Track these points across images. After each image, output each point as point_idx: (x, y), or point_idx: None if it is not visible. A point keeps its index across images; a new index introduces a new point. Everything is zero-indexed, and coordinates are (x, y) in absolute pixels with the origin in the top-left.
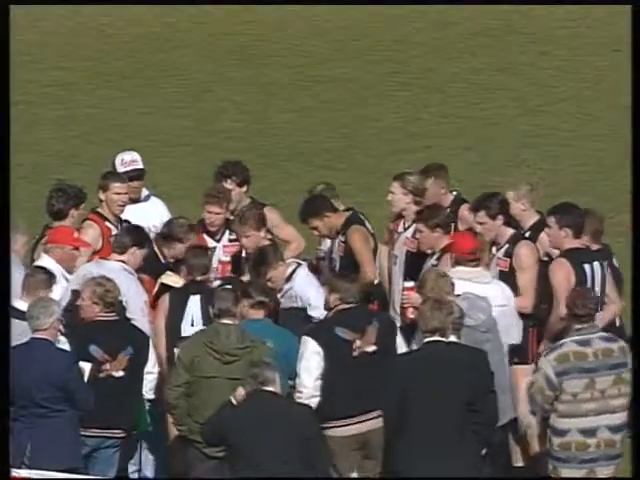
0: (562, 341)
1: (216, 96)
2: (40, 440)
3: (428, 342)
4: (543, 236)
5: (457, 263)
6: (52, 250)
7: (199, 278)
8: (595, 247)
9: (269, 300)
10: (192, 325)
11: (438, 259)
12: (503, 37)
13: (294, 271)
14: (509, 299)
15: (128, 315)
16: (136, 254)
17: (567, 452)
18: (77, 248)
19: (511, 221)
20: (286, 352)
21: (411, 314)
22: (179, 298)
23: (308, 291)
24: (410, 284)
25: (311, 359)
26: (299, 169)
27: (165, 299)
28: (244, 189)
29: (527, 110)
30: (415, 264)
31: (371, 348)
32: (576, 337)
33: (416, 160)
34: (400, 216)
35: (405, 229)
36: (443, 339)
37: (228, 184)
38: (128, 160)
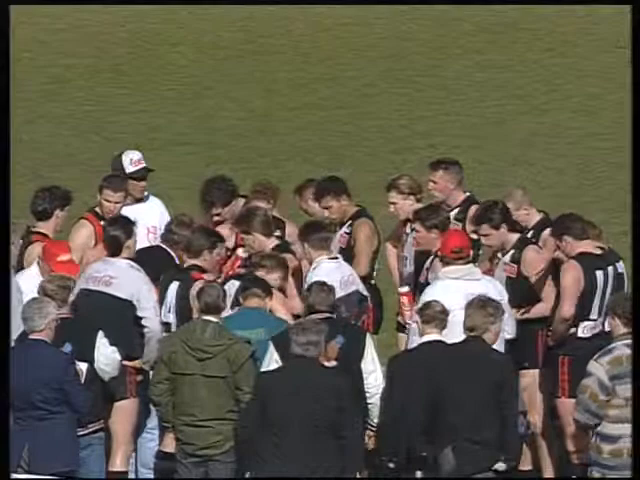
0: (612, 345)
1: (216, 93)
2: (37, 442)
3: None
4: (545, 235)
5: (446, 263)
6: (42, 266)
7: (190, 263)
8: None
9: (263, 292)
10: (169, 312)
11: (431, 262)
12: (508, 34)
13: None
14: (502, 294)
15: (139, 314)
16: (131, 245)
17: (619, 459)
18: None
19: (515, 225)
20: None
21: (408, 319)
22: (164, 283)
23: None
24: (405, 289)
25: (270, 366)
26: (300, 167)
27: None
28: (233, 203)
29: (532, 108)
30: (423, 264)
31: (330, 363)
32: (626, 340)
33: (419, 159)
34: (407, 220)
35: (412, 230)
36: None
37: (214, 210)
38: (136, 159)
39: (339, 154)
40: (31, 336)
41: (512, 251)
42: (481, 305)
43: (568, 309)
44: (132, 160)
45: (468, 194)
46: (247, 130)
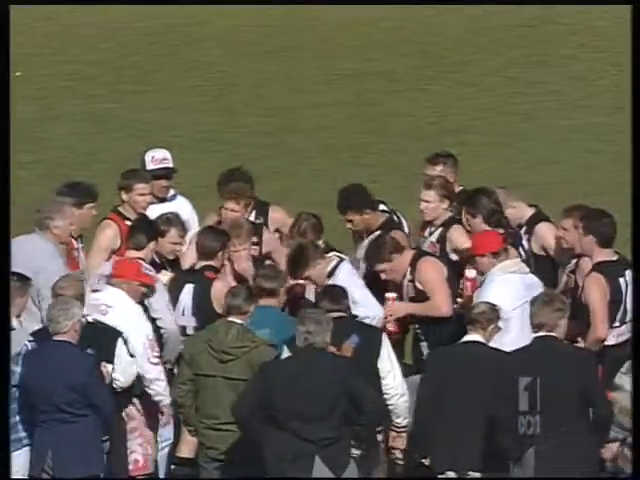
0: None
1: (241, 90)
2: (62, 447)
3: (536, 337)
4: (538, 229)
5: (500, 260)
6: (117, 284)
7: (203, 264)
8: None
9: (277, 286)
10: (183, 314)
11: (412, 274)
12: (540, 29)
13: (336, 267)
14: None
15: (154, 315)
16: (152, 248)
17: None
18: (144, 284)
19: (501, 221)
20: (285, 341)
21: (391, 326)
22: (175, 286)
23: (351, 288)
24: (392, 295)
25: None
26: (328, 165)
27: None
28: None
29: (565, 104)
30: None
31: None
32: None
33: None
34: (427, 222)
35: (430, 234)
36: (551, 334)
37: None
38: (159, 158)
39: (367, 152)
40: (55, 337)
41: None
42: (547, 301)
43: (603, 329)
44: (153, 158)
45: (462, 187)
46: (273, 127)
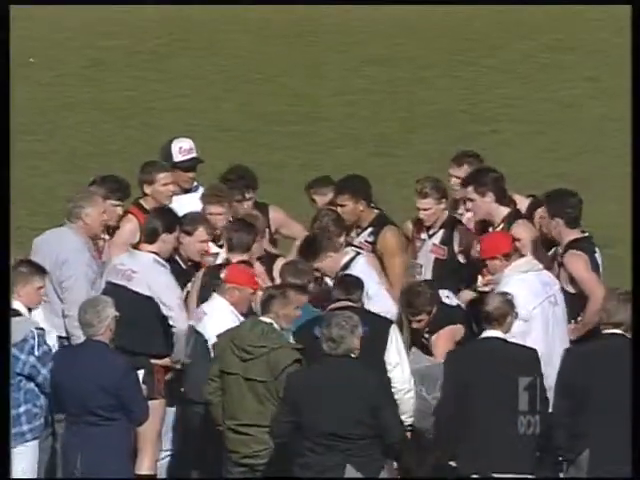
0: None
1: (263, 78)
2: (92, 451)
3: (612, 334)
4: (537, 213)
5: (512, 260)
6: (230, 291)
7: (238, 259)
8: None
9: (306, 282)
10: None
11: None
12: (576, 13)
13: (352, 260)
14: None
15: (165, 312)
16: (167, 240)
17: None
18: (255, 290)
19: (506, 199)
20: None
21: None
22: (208, 280)
23: (366, 282)
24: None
25: None
26: (354, 156)
27: (198, 280)
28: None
29: (601, 91)
30: (443, 272)
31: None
32: None
33: (481, 146)
34: (421, 222)
35: (430, 236)
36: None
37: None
38: (186, 148)
39: (395, 141)
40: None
41: (502, 225)
42: (627, 299)
43: (601, 292)
44: (181, 149)
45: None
46: (296, 116)
